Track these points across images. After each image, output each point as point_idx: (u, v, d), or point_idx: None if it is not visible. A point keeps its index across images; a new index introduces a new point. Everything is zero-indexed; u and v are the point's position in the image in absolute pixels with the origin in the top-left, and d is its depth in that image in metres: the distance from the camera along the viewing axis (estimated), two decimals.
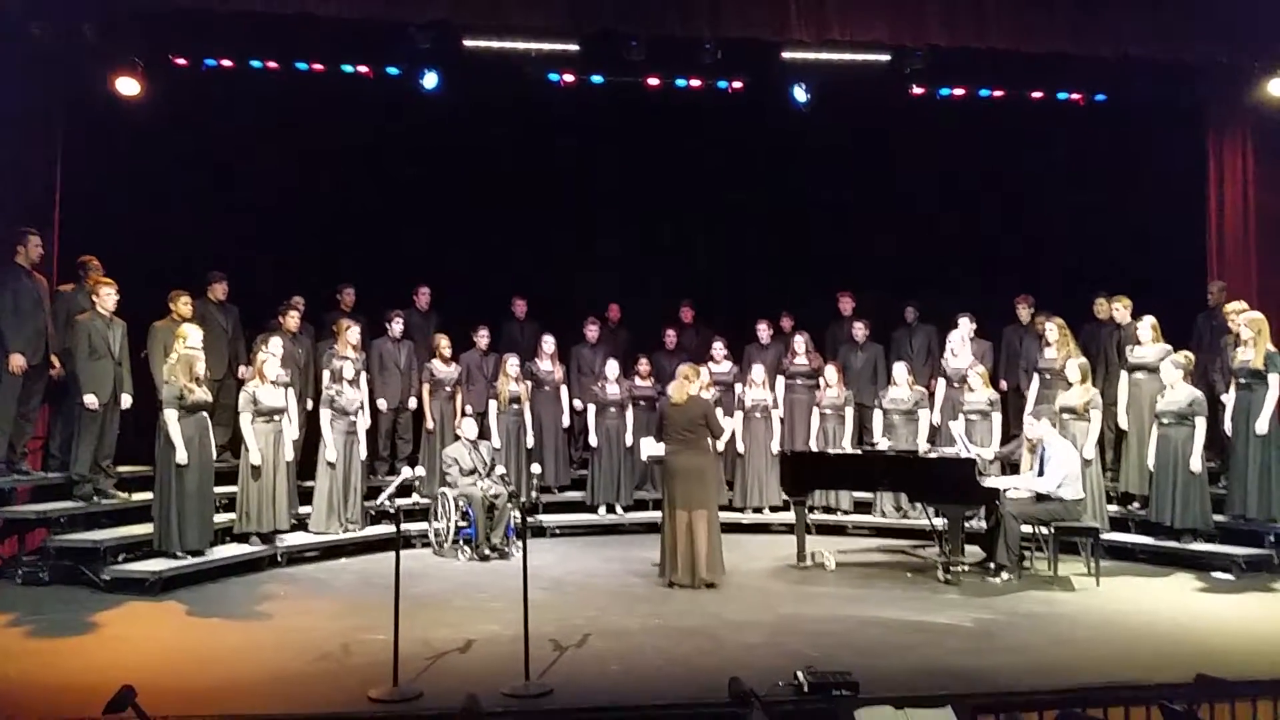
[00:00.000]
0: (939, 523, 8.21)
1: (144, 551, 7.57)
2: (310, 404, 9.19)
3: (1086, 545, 7.81)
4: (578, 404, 10.26)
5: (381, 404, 9.60)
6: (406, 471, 6.52)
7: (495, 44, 9.01)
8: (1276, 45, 8.78)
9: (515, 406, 9.71)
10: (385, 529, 8.85)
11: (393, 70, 9.71)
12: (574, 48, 9.11)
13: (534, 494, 9.52)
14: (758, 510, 10.00)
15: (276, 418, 8.17)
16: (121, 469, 8.36)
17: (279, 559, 8.19)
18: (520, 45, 9.07)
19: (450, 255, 10.77)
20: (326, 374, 8.94)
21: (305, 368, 9.26)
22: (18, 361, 7.63)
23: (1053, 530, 7.78)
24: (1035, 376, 9.30)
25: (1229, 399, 8.26)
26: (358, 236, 10.54)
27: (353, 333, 9.08)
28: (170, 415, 7.38)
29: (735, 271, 11.38)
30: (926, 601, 7.07)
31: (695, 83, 10.12)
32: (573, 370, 10.33)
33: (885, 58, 9.14)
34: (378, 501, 6.12)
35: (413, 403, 9.80)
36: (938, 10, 8.38)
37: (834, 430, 9.82)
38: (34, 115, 8.44)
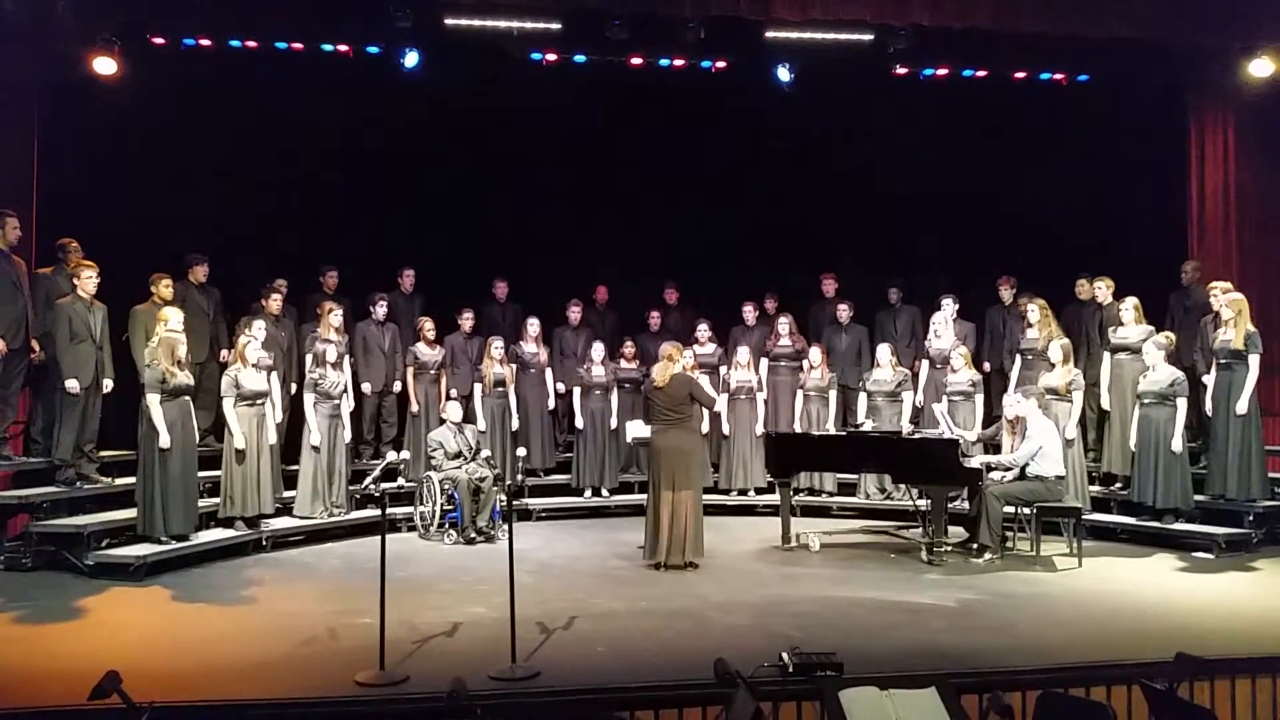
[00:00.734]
0: (922, 504, 8.27)
1: (128, 536, 7.53)
2: (294, 388, 9.15)
3: (1069, 525, 7.86)
4: (560, 387, 10.25)
5: (366, 387, 9.57)
6: (391, 455, 6.51)
7: (476, 22, 8.95)
8: (1258, 27, 8.80)
9: (500, 389, 9.70)
10: (370, 513, 8.84)
11: (373, 49, 9.61)
12: (556, 26, 9.06)
13: (519, 477, 9.52)
14: (743, 492, 10.03)
15: (259, 402, 8.12)
16: (104, 454, 8.30)
17: (264, 543, 8.16)
18: (502, 23, 9.01)
19: (434, 237, 10.70)
20: (309, 357, 8.90)
21: (288, 351, 9.20)
22: None
23: (1035, 511, 7.84)
24: (1017, 357, 9.35)
25: (1209, 379, 8.32)
26: (341, 218, 10.47)
27: (336, 315, 9.02)
28: (153, 399, 7.33)
29: (720, 253, 11.36)
30: (910, 582, 7.12)
31: (678, 62, 10.06)
32: (555, 353, 10.31)
33: (868, 37, 9.13)
34: (363, 485, 6.10)
35: (397, 386, 9.77)
36: None
37: (817, 412, 9.85)
38: (10, 95, 8.34)
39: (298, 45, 9.51)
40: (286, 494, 8.71)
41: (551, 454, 10.27)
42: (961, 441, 8.23)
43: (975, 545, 7.88)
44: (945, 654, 5.35)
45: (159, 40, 9.27)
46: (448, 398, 9.51)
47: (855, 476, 9.77)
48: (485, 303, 10.50)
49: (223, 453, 8.07)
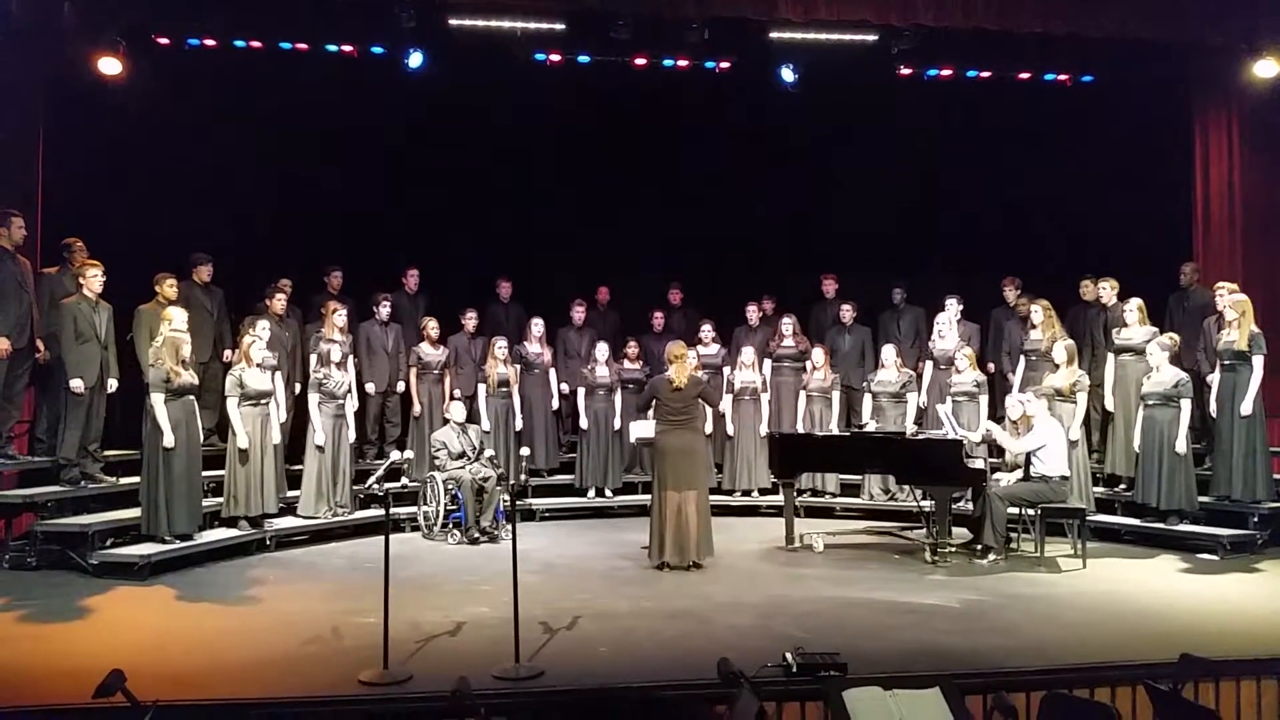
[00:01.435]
0: (926, 504, 8.26)
1: (132, 536, 7.55)
2: (298, 387, 9.16)
3: (1073, 527, 7.85)
4: (564, 387, 10.25)
5: (369, 387, 9.58)
6: (395, 455, 6.51)
7: (480, 22, 8.95)
8: (1263, 26, 8.78)
9: (504, 389, 9.70)
10: (374, 513, 8.84)
11: (377, 50, 9.63)
12: (560, 27, 9.08)
13: (523, 477, 9.53)
14: (746, 493, 10.02)
15: (264, 401, 8.13)
16: (109, 453, 8.33)
17: (268, 543, 8.17)
18: (505, 24, 9.02)
19: (438, 237, 10.72)
20: (314, 357, 8.91)
21: (292, 351, 9.22)
22: (2, 345, 7.57)
23: (1039, 512, 7.82)
24: (1021, 358, 9.34)
25: (1214, 380, 8.31)
26: (345, 218, 10.48)
27: (339, 315, 9.03)
28: (157, 399, 7.34)
29: (722, 253, 11.36)
30: (914, 583, 7.11)
31: (682, 63, 10.08)
32: (559, 353, 10.31)
33: (872, 38, 9.14)
34: (366, 485, 6.11)
35: (400, 386, 9.78)
36: None
37: (821, 413, 9.84)
38: (15, 96, 8.33)
39: (302, 45, 9.54)
40: (290, 494, 8.71)
41: (555, 454, 10.27)
42: (965, 442, 8.22)
43: (979, 546, 7.86)
44: (949, 654, 5.34)
45: (164, 40, 9.31)
46: (451, 398, 9.51)
47: (859, 477, 9.76)
48: (489, 303, 10.51)
49: (227, 452, 8.08)
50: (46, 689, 4.81)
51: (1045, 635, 5.76)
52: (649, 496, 7.92)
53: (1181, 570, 7.51)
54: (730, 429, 9.99)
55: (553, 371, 10.13)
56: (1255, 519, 8.04)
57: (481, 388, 9.70)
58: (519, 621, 5.22)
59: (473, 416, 9.50)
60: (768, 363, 10.11)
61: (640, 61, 9.98)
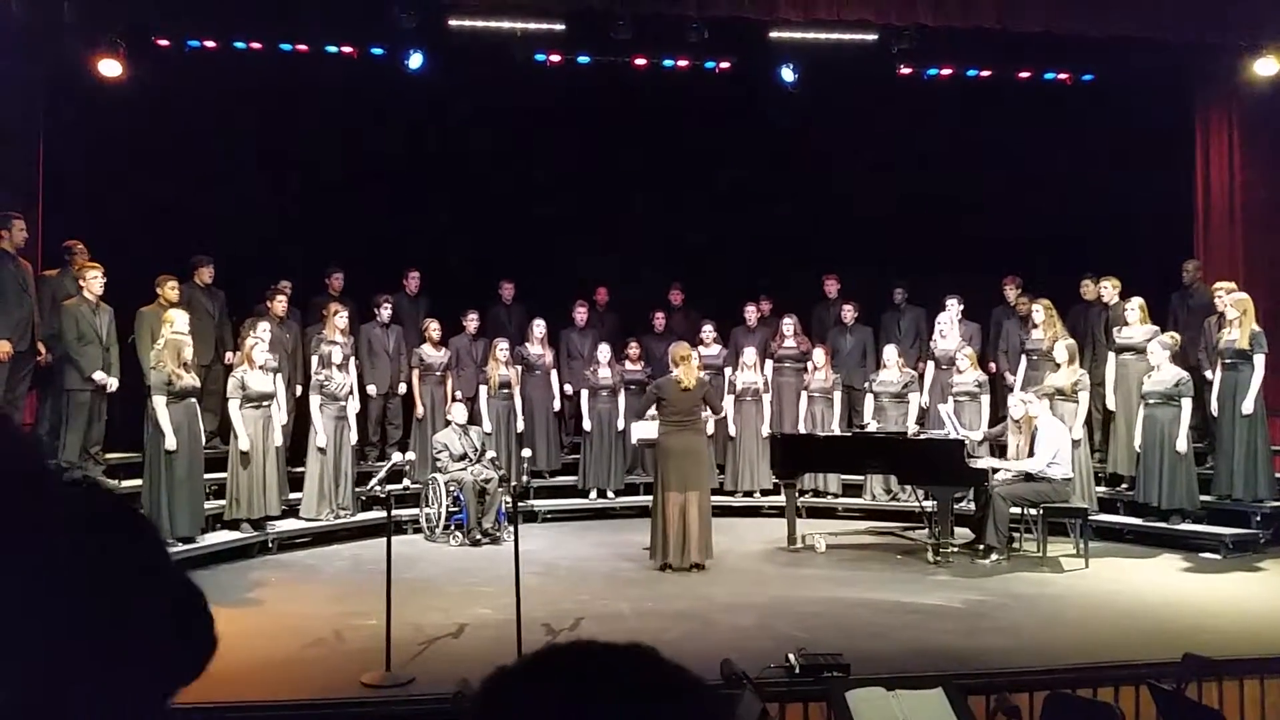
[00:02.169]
0: (928, 505, 8.25)
1: None
2: (299, 389, 9.16)
3: (1075, 526, 7.85)
4: (568, 389, 10.24)
5: (371, 389, 9.57)
6: (396, 457, 6.51)
7: (480, 23, 8.96)
8: (1263, 25, 8.77)
9: (505, 391, 9.68)
10: (376, 515, 8.82)
11: (377, 51, 9.62)
12: (560, 27, 9.07)
13: (525, 478, 9.52)
14: (748, 493, 10.02)
15: (265, 403, 8.13)
16: (110, 456, 8.31)
17: (270, 545, 8.16)
18: (505, 24, 9.01)
19: (439, 239, 10.71)
20: (315, 359, 8.90)
21: (293, 353, 9.22)
22: (3, 347, 7.54)
23: (1041, 511, 7.82)
24: (1023, 358, 9.33)
25: (1215, 379, 8.30)
26: (345, 219, 10.47)
27: (341, 317, 9.02)
28: (158, 401, 7.34)
29: (723, 254, 11.35)
30: (916, 583, 7.11)
31: (682, 63, 10.07)
32: (561, 354, 10.30)
33: (872, 37, 9.12)
34: (368, 487, 6.11)
35: (402, 388, 9.77)
36: None
37: (822, 413, 9.83)
38: (15, 97, 8.32)
39: (302, 47, 9.53)
40: (292, 496, 8.71)
41: (557, 455, 10.27)
42: (967, 442, 8.22)
43: (981, 546, 7.85)
44: (952, 655, 5.34)
45: (164, 42, 9.30)
46: (453, 399, 9.50)
47: (861, 478, 9.74)
48: (490, 304, 10.50)
49: (228, 455, 8.07)
50: None
51: (1048, 635, 5.76)
52: (650, 497, 7.91)
53: (1184, 569, 7.51)
54: (732, 430, 9.98)
55: (554, 373, 10.12)
56: (1257, 518, 8.04)
57: (483, 389, 9.69)
58: (521, 623, 5.22)
59: (474, 418, 9.48)
60: (769, 363, 10.10)
61: (640, 62, 9.97)
